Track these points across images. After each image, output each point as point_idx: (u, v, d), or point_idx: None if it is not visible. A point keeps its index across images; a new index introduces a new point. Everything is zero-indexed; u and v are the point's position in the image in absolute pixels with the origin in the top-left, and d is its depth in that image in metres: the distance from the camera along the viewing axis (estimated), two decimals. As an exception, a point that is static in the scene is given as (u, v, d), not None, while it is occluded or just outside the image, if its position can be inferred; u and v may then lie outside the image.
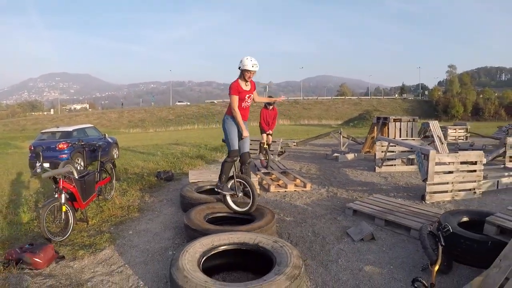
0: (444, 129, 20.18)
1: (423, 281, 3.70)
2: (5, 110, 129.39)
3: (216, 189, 6.64)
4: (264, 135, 11.78)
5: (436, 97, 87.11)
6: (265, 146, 11.70)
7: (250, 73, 6.40)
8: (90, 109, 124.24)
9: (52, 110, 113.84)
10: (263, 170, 10.90)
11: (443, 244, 4.48)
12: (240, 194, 6.51)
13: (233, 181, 6.56)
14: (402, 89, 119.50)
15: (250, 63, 6.30)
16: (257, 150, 13.09)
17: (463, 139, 20.71)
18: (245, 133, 6.52)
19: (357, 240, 5.66)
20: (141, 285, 4.39)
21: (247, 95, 6.56)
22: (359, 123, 50.86)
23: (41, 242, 5.28)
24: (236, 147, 6.58)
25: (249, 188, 6.31)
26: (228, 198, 6.44)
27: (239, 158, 6.79)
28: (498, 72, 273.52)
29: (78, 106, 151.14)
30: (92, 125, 17.77)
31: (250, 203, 6.18)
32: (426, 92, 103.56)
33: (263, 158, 11.85)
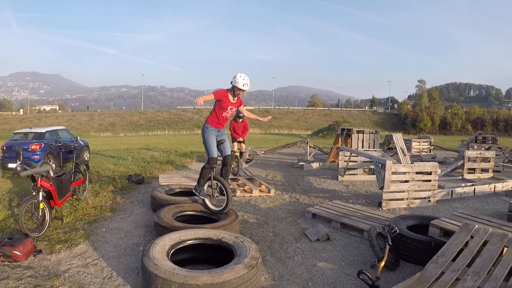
0: (408, 142, 20.85)
1: (367, 273, 4.16)
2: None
3: (193, 191, 7.02)
4: (235, 143, 12.13)
5: (405, 111, 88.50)
6: (236, 153, 11.81)
7: (240, 91, 6.71)
8: (60, 111, 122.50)
9: (21, 110, 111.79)
10: (231, 176, 11.32)
11: (390, 243, 5.00)
12: (216, 195, 6.87)
13: (209, 182, 6.93)
14: (372, 102, 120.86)
15: (241, 82, 6.59)
16: None
17: (426, 152, 21.41)
18: (203, 98, 6.71)
19: (314, 240, 6.14)
20: (115, 276, 4.78)
21: (230, 107, 6.84)
22: (328, 133, 51.46)
23: (20, 237, 5.60)
24: (215, 155, 6.86)
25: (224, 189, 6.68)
26: (206, 201, 6.78)
27: (221, 161, 7.17)
28: (466, 88, 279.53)
29: (47, 107, 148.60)
30: (65, 127, 17.88)
31: (225, 203, 6.51)
32: (396, 106, 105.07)
33: (233, 166, 11.86)
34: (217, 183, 6.91)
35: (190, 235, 5.01)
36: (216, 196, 6.92)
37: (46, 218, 6.33)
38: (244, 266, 4.03)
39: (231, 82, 6.72)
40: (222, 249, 4.83)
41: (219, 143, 7.02)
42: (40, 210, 6.28)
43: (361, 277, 4.19)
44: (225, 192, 6.62)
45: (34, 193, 6.32)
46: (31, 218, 6.33)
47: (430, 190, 8.84)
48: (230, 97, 6.81)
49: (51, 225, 6.52)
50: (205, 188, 6.96)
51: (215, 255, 4.95)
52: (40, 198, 6.29)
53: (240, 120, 12.18)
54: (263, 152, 20.42)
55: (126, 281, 4.63)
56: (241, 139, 12.25)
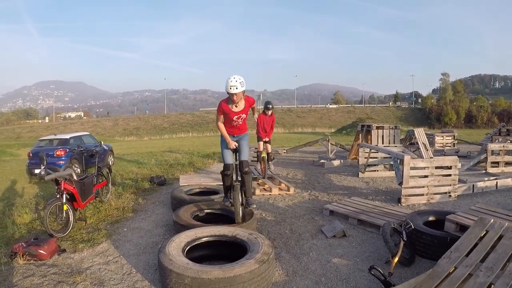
0: (431, 136, 20.61)
1: (379, 269, 4.18)
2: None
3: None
4: (261, 143, 11.31)
5: (429, 105, 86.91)
6: (263, 155, 11.17)
7: (233, 95, 6.14)
8: (85, 117, 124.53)
9: (47, 118, 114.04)
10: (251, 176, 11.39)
11: (404, 239, 4.97)
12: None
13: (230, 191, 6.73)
14: (396, 97, 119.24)
15: (228, 85, 6.06)
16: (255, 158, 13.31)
17: (450, 146, 21.11)
18: (230, 145, 6.54)
19: (330, 236, 6.17)
20: (134, 272, 4.98)
21: (236, 116, 6.42)
22: (352, 131, 51.16)
23: (45, 238, 5.86)
24: (228, 161, 6.65)
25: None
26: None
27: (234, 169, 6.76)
28: (491, 80, 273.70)
29: (73, 114, 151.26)
30: (89, 133, 18.31)
31: (235, 215, 6.15)
32: (420, 100, 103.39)
33: (260, 167, 11.47)
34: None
35: (206, 232, 5.16)
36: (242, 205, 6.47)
37: (70, 219, 6.60)
38: (255, 261, 4.15)
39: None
40: (237, 245, 4.95)
41: (236, 149, 6.72)
42: (64, 212, 6.54)
43: (372, 273, 4.18)
44: (235, 204, 6.25)
45: (58, 196, 6.60)
46: (56, 220, 6.59)
47: (450, 185, 8.68)
48: (231, 106, 6.40)
49: (75, 226, 6.78)
50: (228, 195, 6.85)
51: (230, 252, 5.05)
52: (64, 200, 6.55)
53: (269, 112, 11.23)
54: (285, 151, 20.44)
55: (144, 277, 4.81)
56: (267, 139, 11.30)
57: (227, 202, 6.81)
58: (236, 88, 6.04)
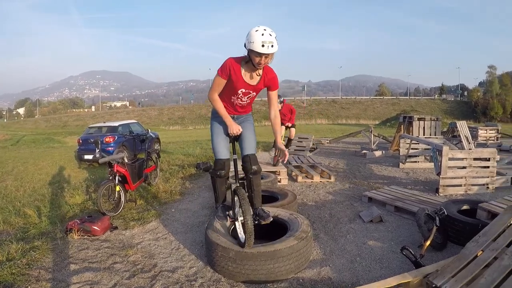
0: (474, 130, 20.34)
1: (410, 250, 4.32)
2: (46, 107, 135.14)
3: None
4: (283, 127, 10.61)
5: (475, 98, 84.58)
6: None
7: (262, 57, 3.92)
8: (130, 107, 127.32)
9: (93, 107, 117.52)
10: (294, 163, 11.61)
11: (437, 225, 5.06)
12: (240, 219, 4.41)
13: (236, 198, 4.56)
14: (442, 90, 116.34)
15: (259, 41, 3.80)
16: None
17: (493, 140, 20.77)
18: (232, 129, 4.41)
19: (367, 221, 6.34)
20: (181, 247, 5.36)
21: (243, 90, 4.34)
22: (396, 123, 50.31)
23: (98, 216, 6.28)
24: (222, 156, 4.68)
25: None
26: (237, 224, 4.57)
27: (227, 168, 4.79)
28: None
29: (118, 104, 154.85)
30: (136, 121, 18.95)
31: (245, 238, 4.19)
32: (466, 93, 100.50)
33: (275, 154, 9.51)
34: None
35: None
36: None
37: (122, 200, 7.08)
38: (294, 238, 4.40)
39: (245, 45, 3.97)
40: (279, 225, 5.19)
41: (237, 137, 4.60)
42: (116, 193, 7.02)
43: (404, 253, 4.36)
44: (245, 223, 4.10)
45: (110, 178, 7.08)
46: (108, 200, 7.08)
47: (488, 177, 8.65)
48: (244, 73, 4.19)
49: (126, 206, 7.25)
50: (222, 208, 5.01)
51: (272, 231, 5.23)
52: (116, 182, 7.03)
53: (280, 104, 10.07)
54: (328, 141, 20.57)
55: (191, 252, 5.17)
56: (289, 124, 10.73)
57: (221, 214, 4.84)
58: (272, 46, 3.86)
